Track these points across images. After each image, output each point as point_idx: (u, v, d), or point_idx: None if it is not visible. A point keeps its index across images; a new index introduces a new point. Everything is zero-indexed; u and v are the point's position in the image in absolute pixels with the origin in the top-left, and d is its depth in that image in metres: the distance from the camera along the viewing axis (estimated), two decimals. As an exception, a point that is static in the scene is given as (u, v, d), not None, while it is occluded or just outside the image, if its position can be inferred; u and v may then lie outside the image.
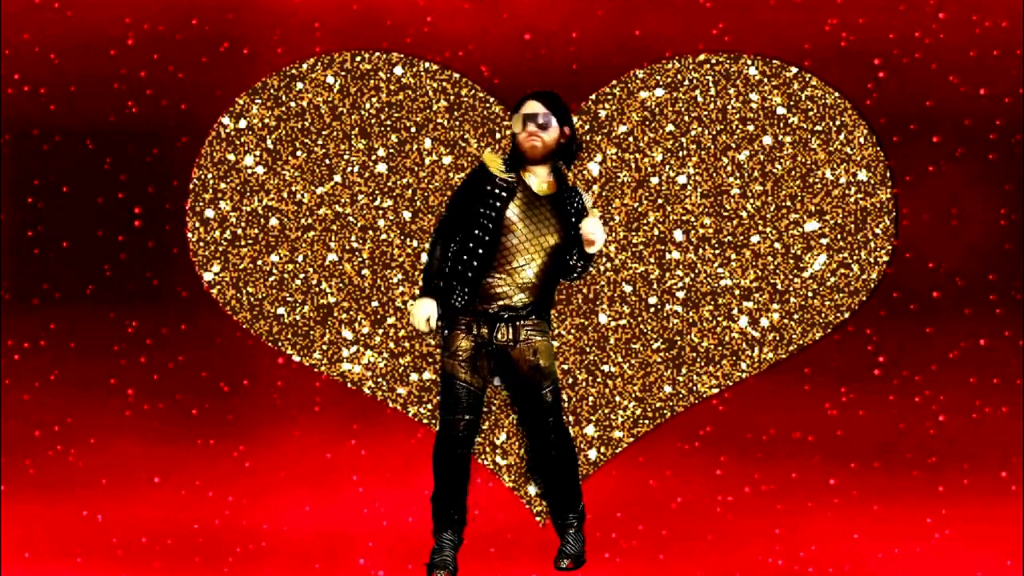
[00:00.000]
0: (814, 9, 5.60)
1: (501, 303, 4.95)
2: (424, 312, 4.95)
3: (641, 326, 5.64)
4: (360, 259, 5.71)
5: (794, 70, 5.60)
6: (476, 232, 4.90)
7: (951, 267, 5.57)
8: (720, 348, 5.62)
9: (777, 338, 5.61)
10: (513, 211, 4.91)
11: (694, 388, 5.63)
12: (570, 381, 5.65)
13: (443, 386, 5.01)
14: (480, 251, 4.91)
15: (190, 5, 5.75)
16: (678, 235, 5.64)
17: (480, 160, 5.02)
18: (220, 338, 5.75)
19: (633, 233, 5.65)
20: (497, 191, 4.93)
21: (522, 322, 4.98)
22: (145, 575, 5.43)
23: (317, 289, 5.71)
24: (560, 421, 5.09)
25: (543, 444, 5.14)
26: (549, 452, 5.14)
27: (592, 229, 4.87)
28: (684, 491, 5.59)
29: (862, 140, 5.58)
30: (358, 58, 5.72)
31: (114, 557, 5.52)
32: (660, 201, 5.65)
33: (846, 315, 5.59)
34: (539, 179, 4.98)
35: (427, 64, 5.70)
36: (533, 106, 4.93)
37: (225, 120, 5.74)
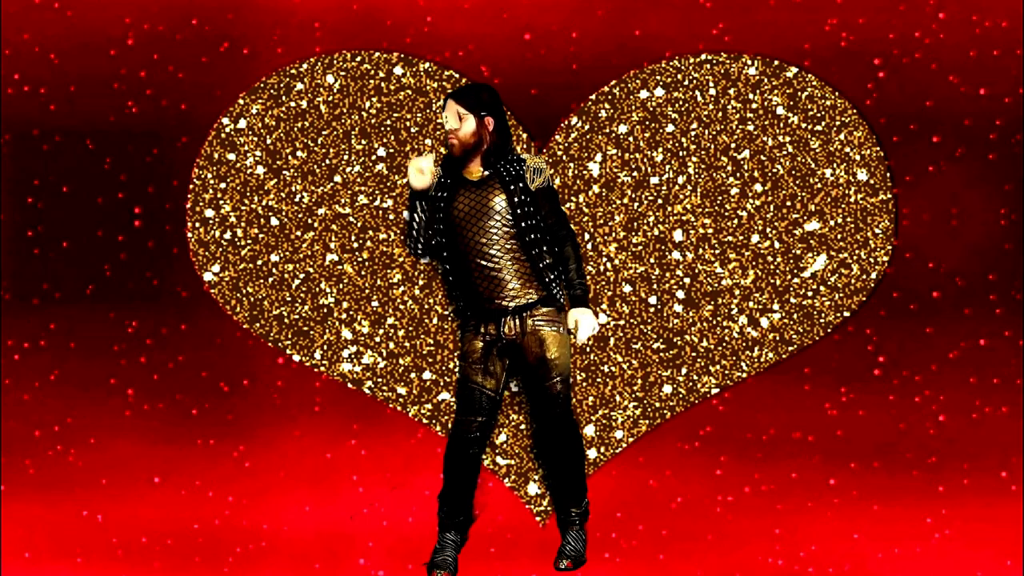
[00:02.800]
0: (814, 9, 5.60)
1: (500, 296, 5.00)
2: (418, 164, 5.08)
3: (641, 326, 5.64)
4: (360, 259, 5.71)
5: (794, 70, 5.61)
6: (439, 238, 5.00)
7: (951, 267, 5.57)
8: (720, 348, 5.62)
9: (777, 338, 5.61)
10: (460, 207, 5.01)
11: (694, 388, 5.63)
12: (570, 381, 5.64)
13: (458, 388, 5.11)
14: (448, 255, 5.02)
15: (190, 5, 5.76)
16: (678, 235, 5.65)
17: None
18: (220, 338, 5.75)
19: (633, 233, 5.65)
20: (437, 194, 5.08)
21: (529, 313, 5.03)
22: (145, 575, 5.43)
23: (317, 289, 5.71)
24: (568, 414, 5.12)
25: (550, 437, 5.16)
26: (555, 445, 5.16)
27: (580, 325, 5.07)
28: (684, 491, 5.59)
29: (862, 140, 5.58)
30: (358, 58, 5.72)
31: (114, 557, 5.52)
32: (660, 201, 5.65)
33: (846, 315, 5.59)
34: (473, 168, 5.11)
35: (427, 64, 5.70)
36: (447, 107, 5.07)
37: (225, 120, 5.75)
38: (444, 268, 5.16)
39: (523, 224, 5.00)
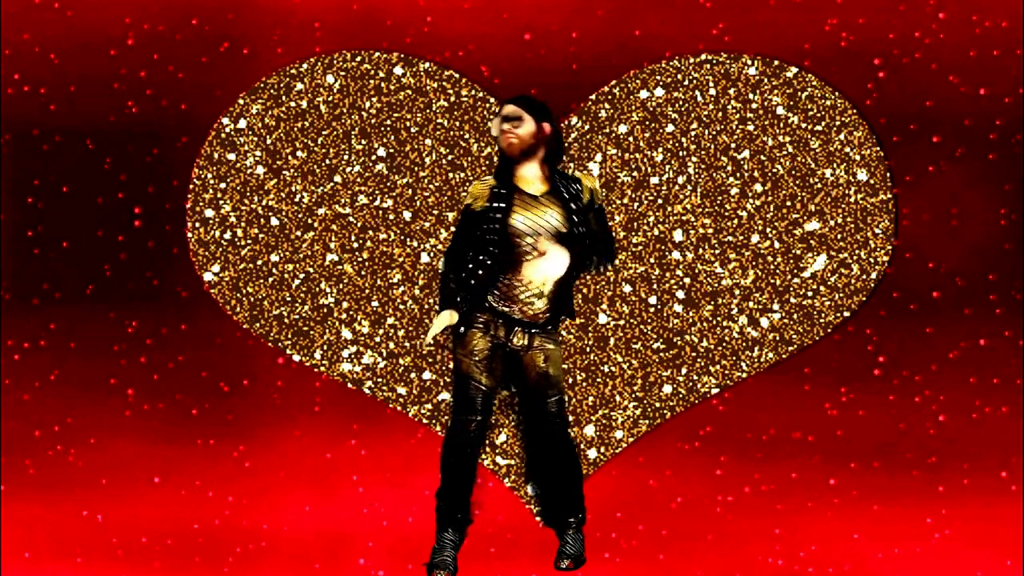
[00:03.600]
0: (814, 9, 5.60)
1: (519, 307, 4.99)
2: (445, 321, 5.03)
3: (641, 326, 5.64)
4: (360, 259, 5.71)
5: (794, 70, 5.61)
6: (486, 246, 4.97)
7: (951, 267, 5.57)
8: (720, 348, 5.62)
9: (777, 338, 5.61)
10: (516, 218, 4.97)
11: (694, 388, 5.63)
12: (570, 381, 5.65)
13: (457, 385, 5.05)
14: (489, 261, 4.97)
15: (190, 5, 5.76)
16: (678, 235, 5.65)
17: (471, 192, 5.08)
18: (220, 338, 5.75)
19: (633, 233, 5.65)
20: (495, 203, 4.98)
21: (537, 330, 5.03)
22: (145, 575, 5.43)
23: (317, 289, 5.71)
24: (565, 431, 5.11)
25: (546, 452, 5.16)
26: (553, 461, 5.16)
27: (550, 254, 4.95)
28: (684, 491, 5.59)
29: (862, 140, 5.58)
30: (358, 58, 5.72)
31: (114, 557, 5.52)
32: (660, 201, 5.65)
33: (846, 315, 5.59)
34: (530, 180, 5.05)
35: (427, 64, 5.70)
36: (507, 108, 5.05)
37: (225, 120, 5.75)
38: (472, 268, 5.07)
39: (575, 243, 5.00)
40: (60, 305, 5.79)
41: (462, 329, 5.04)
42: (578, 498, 5.23)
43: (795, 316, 5.60)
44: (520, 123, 5.02)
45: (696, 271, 5.64)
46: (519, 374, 5.11)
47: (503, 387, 5.23)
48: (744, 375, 5.62)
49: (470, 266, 5.02)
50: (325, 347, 5.71)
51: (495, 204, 5.01)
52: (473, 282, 5.03)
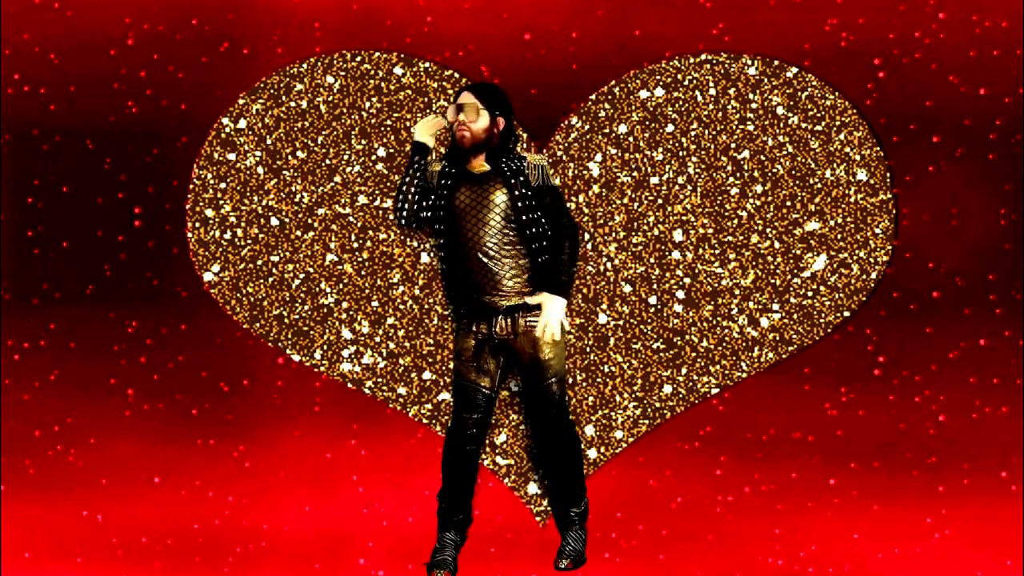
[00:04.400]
0: (814, 9, 5.60)
1: (493, 292, 5.00)
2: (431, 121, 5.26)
3: (641, 326, 5.64)
4: (360, 259, 5.71)
5: (794, 70, 5.60)
6: (436, 226, 5.01)
7: (951, 267, 5.57)
8: (720, 348, 5.62)
9: (777, 338, 5.61)
10: (461, 199, 5.02)
11: (694, 388, 5.63)
12: (570, 381, 5.64)
13: (454, 386, 5.13)
14: (444, 244, 5.02)
15: (190, 5, 5.75)
16: (678, 235, 5.64)
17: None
18: (220, 338, 5.75)
19: (633, 233, 5.65)
20: (440, 182, 5.11)
21: (521, 313, 5.03)
22: (145, 575, 5.43)
23: (317, 289, 5.71)
24: (564, 415, 5.11)
25: (547, 438, 5.16)
26: (552, 447, 5.16)
27: (546, 311, 5.00)
28: (684, 491, 5.59)
29: (862, 140, 5.58)
30: (358, 58, 5.72)
31: (114, 557, 5.52)
32: (660, 201, 5.65)
33: (846, 315, 5.59)
34: (477, 165, 5.09)
35: (427, 64, 5.70)
36: (464, 97, 5.06)
37: (225, 120, 5.74)
38: (441, 264, 5.16)
39: (524, 218, 5.00)
40: (60, 305, 5.78)
41: (455, 331, 5.12)
42: (579, 487, 5.23)
43: (795, 316, 5.60)
44: (475, 117, 5.04)
45: (696, 271, 5.63)
46: (515, 362, 5.13)
47: (501, 384, 5.23)
48: (744, 375, 5.62)
49: (443, 267, 5.08)
50: (325, 347, 5.71)
51: (441, 181, 5.07)
52: (449, 284, 5.11)
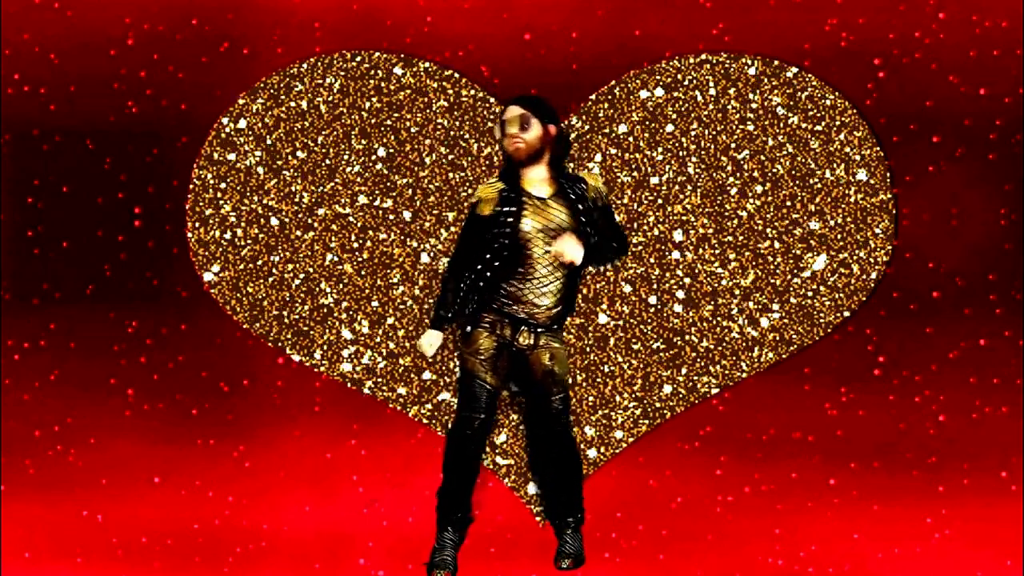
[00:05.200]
0: (814, 9, 5.60)
1: (527, 308, 4.99)
2: (431, 342, 5.08)
3: (641, 326, 5.64)
4: (360, 259, 5.71)
5: (794, 70, 5.60)
6: (497, 251, 4.97)
7: (951, 267, 5.57)
8: (720, 348, 5.62)
9: (777, 338, 5.61)
10: (526, 222, 4.97)
11: (694, 388, 5.63)
12: (570, 381, 5.64)
13: (462, 383, 5.05)
14: (497, 263, 4.97)
15: (190, 5, 5.75)
16: (678, 235, 5.64)
17: (477, 197, 5.07)
18: (220, 338, 5.75)
19: (633, 233, 5.65)
20: (504, 207, 4.98)
21: (543, 329, 5.04)
22: (145, 575, 5.43)
23: (317, 289, 5.71)
24: (568, 430, 5.12)
25: (548, 450, 5.16)
26: (554, 460, 5.17)
27: (562, 248, 4.91)
28: (684, 491, 5.59)
29: (862, 140, 5.58)
30: (358, 58, 5.72)
31: (114, 557, 5.52)
32: (660, 201, 5.65)
33: (846, 315, 5.59)
34: (537, 182, 5.04)
35: (427, 64, 5.70)
36: (511, 111, 5.02)
37: (225, 120, 5.74)
38: (478, 275, 5.06)
39: (587, 242, 5.00)
40: (60, 305, 5.79)
41: (468, 328, 5.05)
42: (577, 498, 5.23)
43: (795, 316, 5.60)
44: (527, 128, 5.00)
45: (696, 271, 5.64)
46: (525, 373, 5.11)
47: (506, 387, 5.24)
48: (744, 375, 5.62)
49: (479, 267, 5.02)
50: (325, 347, 5.71)
51: (505, 208, 5.01)
52: (481, 284, 5.03)
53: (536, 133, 5.02)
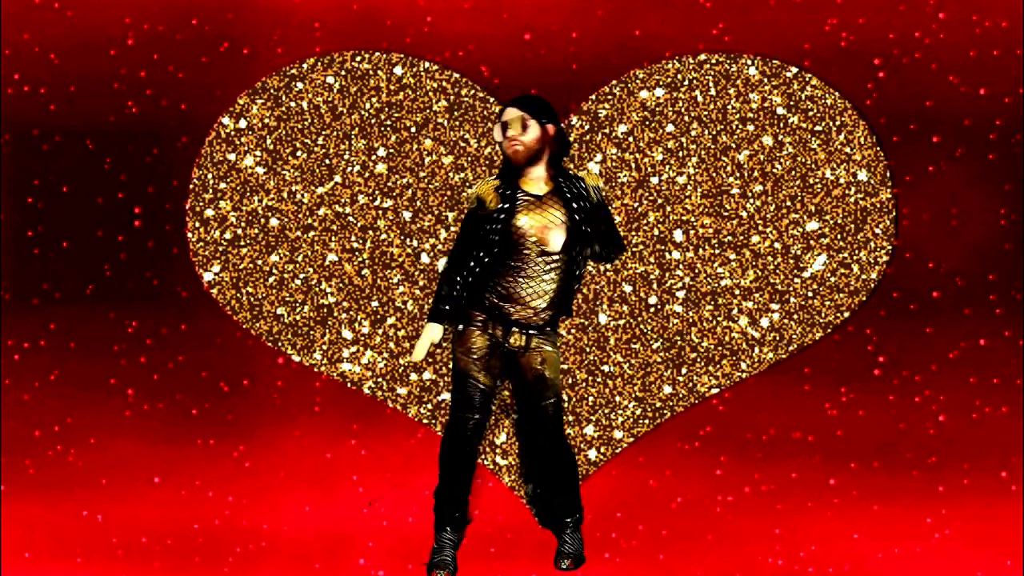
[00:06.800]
0: (814, 9, 5.60)
1: (520, 309, 4.98)
2: (431, 336, 5.01)
3: (641, 326, 5.64)
4: (360, 259, 5.71)
5: (794, 70, 5.61)
6: (490, 247, 4.95)
7: (951, 267, 5.57)
8: (720, 348, 5.62)
9: (777, 338, 5.61)
10: (520, 219, 4.95)
11: (694, 388, 5.63)
12: (570, 381, 5.65)
13: (455, 383, 5.03)
14: (488, 260, 4.95)
15: (190, 5, 5.76)
16: (678, 235, 5.64)
17: (477, 195, 5.05)
18: (220, 338, 5.75)
19: (633, 233, 5.65)
20: (501, 205, 4.97)
21: (535, 331, 5.01)
22: (145, 575, 5.43)
23: (317, 289, 5.71)
24: (560, 434, 5.09)
25: (541, 455, 5.16)
26: (548, 463, 5.16)
27: (546, 235, 4.92)
28: (684, 491, 5.59)
29: (862, 140, 5.58)
30: (358, 58, 5.72)
31: (114, 557, 5.51)
32: (660, 201, 5.65)
33: (846, 315, 5.59)
34: (534, 181, 5.03)
35: (427, 64, 5.70)
36: (509, 113, 4.99)
37: (225, 120, 5.75)
38: (471, 273, 5.06)
39: (583, 243, 4.98)
40: (60, 305, 5.79)
41: (460, 327, 5.04)
42: (574, 499, 5.22)
43: (795, 316, 5.60)
44: (524, 129, 4.98)
45: (696, 271, 5.64)
46: (516, 375, 5.09)
47: (500, 386, 5.23)
48: (744, 375, 5.62)
49: (471, 264, 5.00)
50: (325, 347, 5.71)
51: (501, 205, 4.99)
52: (472, 280, 5.01)
53: (534, 134, 5.00)
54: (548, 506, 5.34)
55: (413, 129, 5.69)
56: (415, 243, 5.69)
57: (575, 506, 5.22)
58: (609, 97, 5.67)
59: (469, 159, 5.69)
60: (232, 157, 5.75)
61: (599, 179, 5.15)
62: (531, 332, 5.01)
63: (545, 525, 5.38)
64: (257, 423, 5.72)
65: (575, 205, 4.99)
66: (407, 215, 5.70)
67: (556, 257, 4.97)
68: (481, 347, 5.02)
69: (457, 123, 5.69)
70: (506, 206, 4.97)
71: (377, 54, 5.72)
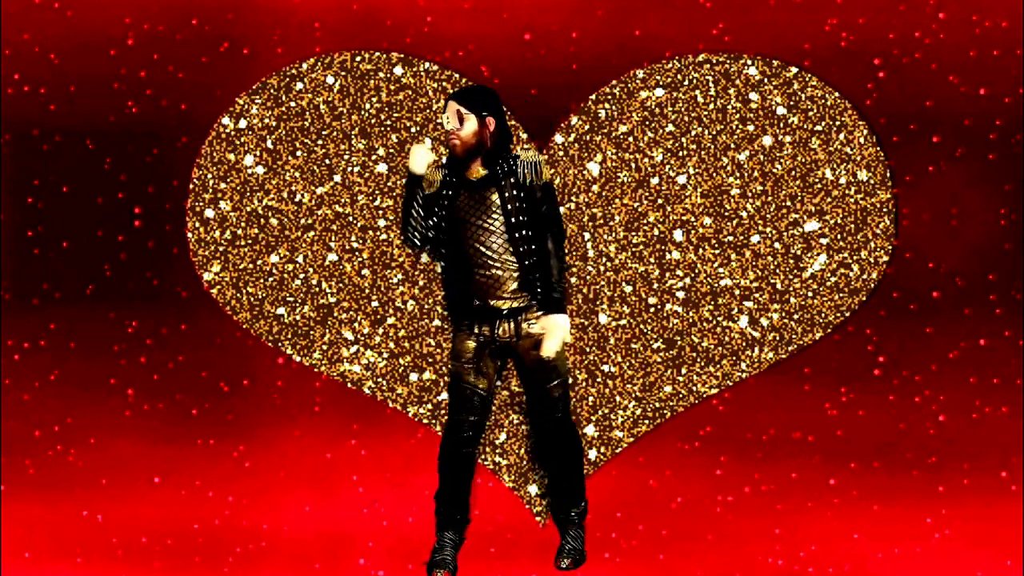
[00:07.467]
0: (814, 9, 5.60)
1: (496, 296, 4.99)
2: (418, 155, 5.08)
3: (641, 326, 5.64)
4: (360, 259, 5.71)
5: (794, 70, 5.60)
6: (441, 235, 5.00)
7: (951, 267, 5.57)
8: (720, 348, 5.62)
9: (777, 338, 5.61)
10: (461, 206, 5.00)
11: (694, 388, 5.63)
12: (570, 381, 5.64)
13: (450, 388, 5.10)
14: (448, 255, 5.01)
15: (190, 5, 5.75)
16: (678, 235, 5.64)
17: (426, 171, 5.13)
18: (220, 338, 5.75)
19: (633, 233, 5.65)
20: (442, 191, 5.07)
21: (523, 316, 5.02)
22: (145, 575, 5.43)
23: (317, 289, 5.71)
24: (567, 417, 5.12)
25: (548, 439, 5.16)
26: (554, 449, 5.16)
27: (549, 333, 4.96)
28: (684, 491, 5.59)
29: (862, 140, 5.58)
30: (358, 58, 5.72)
31: (114, 557, 5.51)
32: (660, 201, 5.65)
33: (846, 315, 5.59)
34: (475, 171, 5.05)
35: (427, 64, 5.70)
36: (448, 107, 5.01)
37: (225, 120, 5.74)
38: (443, 268, 5.15)
39: (512, 220, 4.98)
40: (60, 305, 5.79)
41: (452, 332, 5.11)
42: (579, 488, 5.24)
43: (795, 316, 5.60)
44: (461, 123, 5.01)
45: (696, 271, 5.63)
46: (517, 364, 5.12)
47: (496, 386, 5.22)
48: (744, 375, 5.62)
49: (443, 276, 5.08)
50: (325, 347, 5.71)
51: (442, 191, 5.06)
52: (452, 289, 5.07)
53: (471, 128, 5.02)
54: (553, 495, 5.35)
55: (413, 129, 5.69)
56: (415, 243, 5.69)
57: (579, 495, 5.23)
58: (609, 97, 5.67)
59: (469, 159, 5.69)
60: (232, 157, 5.74)
61: (539, 156, 5.10)
62: (518, 317, 5.02)
63: (553, 517, 5.37)
64: (257, 423, 5.72)
65: (503, 183, 5.00)
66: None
67: (502, 241, 4.98)
68: (470, 350, 5.05)
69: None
70: (448, 192, 5.03)
71: (377, 54, 5.72)
